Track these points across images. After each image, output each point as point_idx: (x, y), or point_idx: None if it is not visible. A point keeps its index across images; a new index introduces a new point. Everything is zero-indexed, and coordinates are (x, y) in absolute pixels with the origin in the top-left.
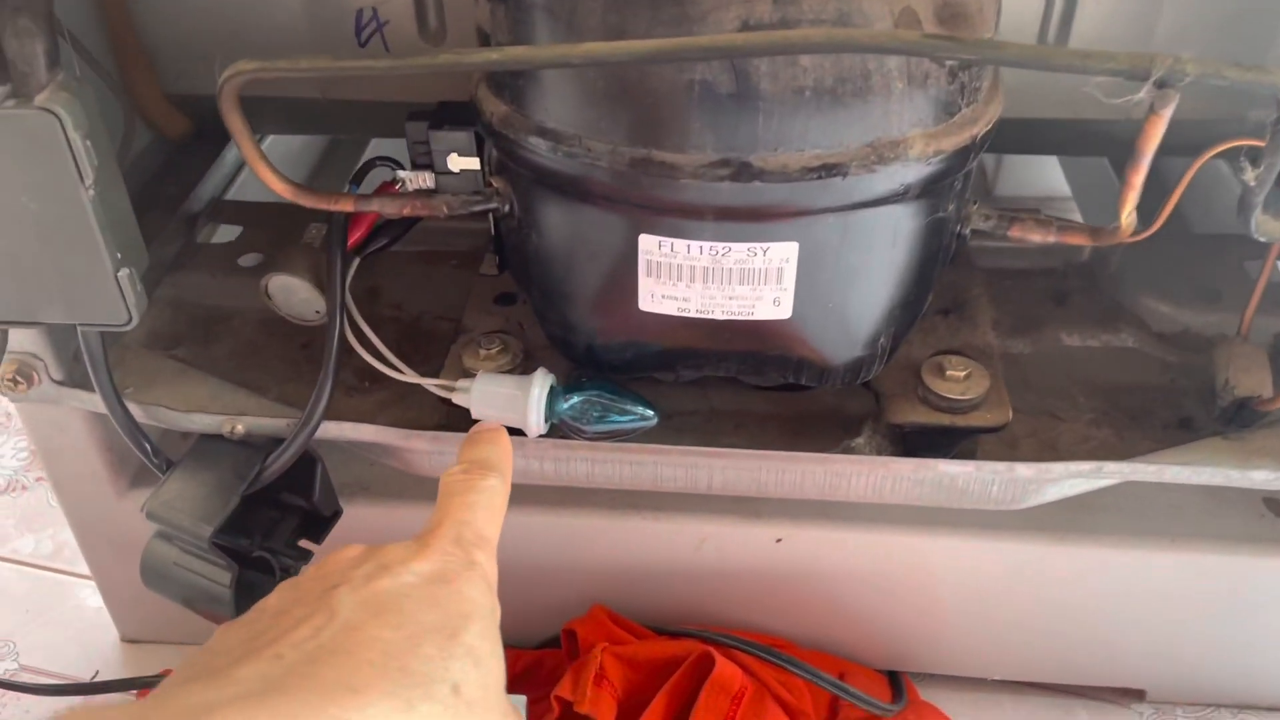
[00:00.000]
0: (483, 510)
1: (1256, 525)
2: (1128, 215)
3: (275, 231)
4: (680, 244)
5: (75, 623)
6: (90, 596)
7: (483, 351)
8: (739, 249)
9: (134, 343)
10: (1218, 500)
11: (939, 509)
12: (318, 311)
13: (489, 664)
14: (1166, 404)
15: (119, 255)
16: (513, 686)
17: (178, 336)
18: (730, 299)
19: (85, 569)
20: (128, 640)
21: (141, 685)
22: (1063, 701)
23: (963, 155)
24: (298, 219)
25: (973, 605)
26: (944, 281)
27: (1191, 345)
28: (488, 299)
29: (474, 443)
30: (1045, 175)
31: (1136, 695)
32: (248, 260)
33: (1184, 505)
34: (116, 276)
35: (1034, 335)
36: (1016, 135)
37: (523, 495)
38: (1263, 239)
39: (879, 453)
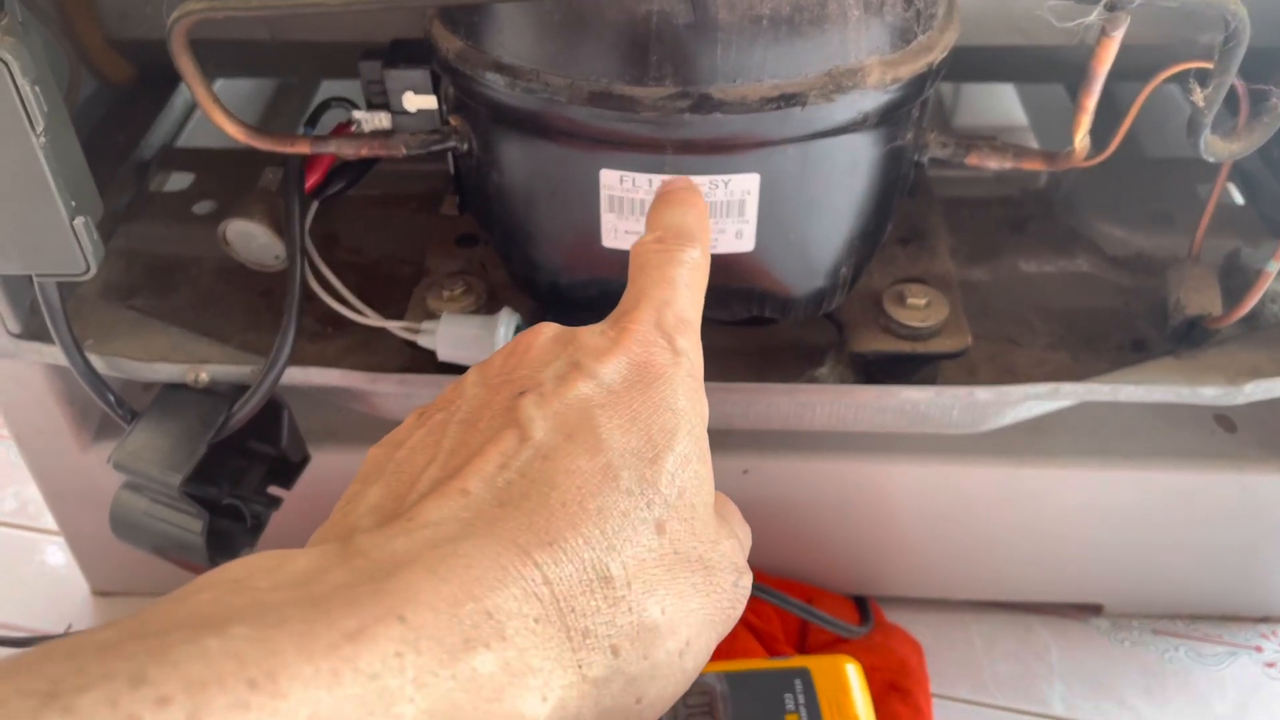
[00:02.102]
0: (684, 288)
1: (1207, 441)
2: (1081, 138)
3: (229, 178)
4: (642, 178)
5: (44, 578)
6: (57, 552)
7: (446, 293)
8: (700, 182)
9: (91, 294)
10: (1170, 419)
11: (901, 436)
12: (277, 257)
13: (693, 488)
14: (1120, 326)
15: (73, 203)
16: None
17: (134, 287)
18: None
19: (50, 524)
20: (99, 593)
21: None
22: (1023, 618)
23: (920, 83)
24: (252, 164)
25: (935, 529)
26: (903, 211)
27: (1144, 268)
28: (449, 241)
29: (667, 203)
30: (1003, 105)
31: (1094, 609)
32: (202, 208)
33: (1137, 424)
34: (72, 225)
35: (992, 263)
36: (973, 63)
37: None
38: (1211, 159)
39: (842, 381)
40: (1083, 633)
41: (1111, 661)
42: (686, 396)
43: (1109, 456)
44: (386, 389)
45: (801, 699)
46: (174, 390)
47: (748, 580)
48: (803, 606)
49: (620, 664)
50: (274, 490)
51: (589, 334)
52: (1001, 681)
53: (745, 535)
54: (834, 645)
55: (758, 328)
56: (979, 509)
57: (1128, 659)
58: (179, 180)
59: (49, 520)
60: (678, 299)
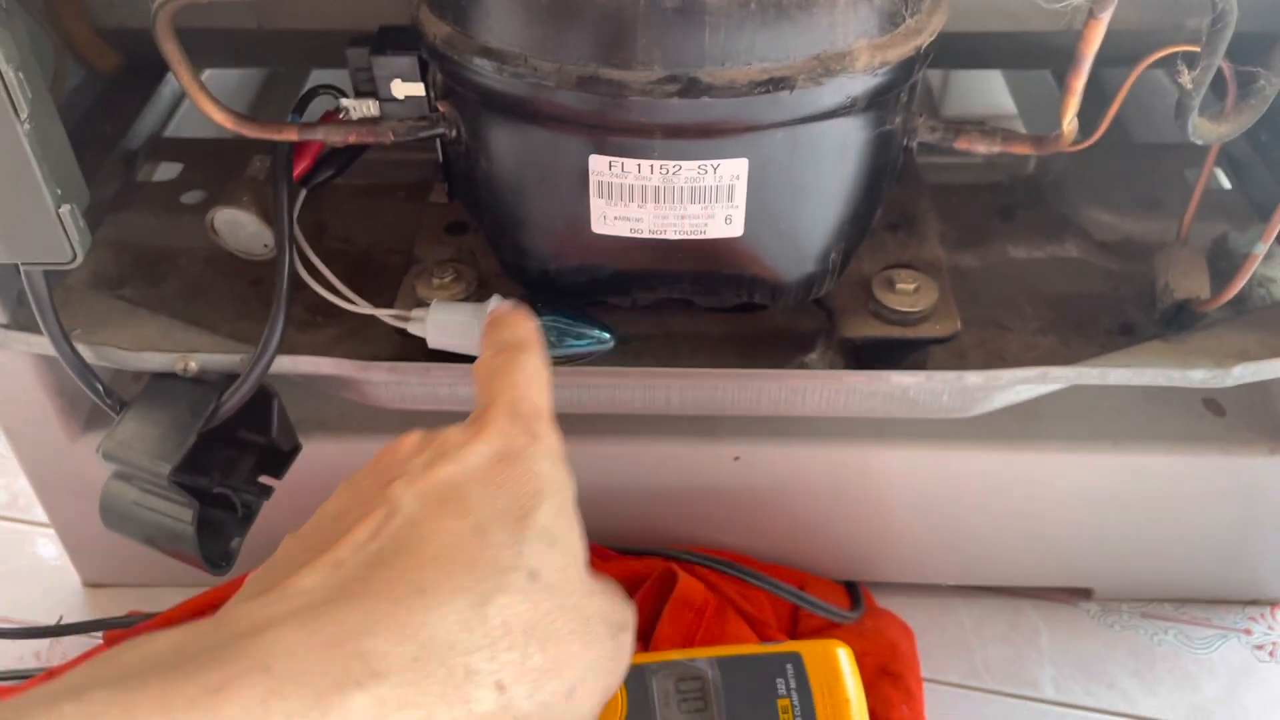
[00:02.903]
0: (530, 384)
1: (1196, 425)
2: (1069, 122)
3: (217, 167)
4: (631, 163)
5: (34, 570)
6: (48, 544)
7: (436, 280)
8: (689, 167)
9: (79, 284)
10: (1158, 402)
11: (891, 421)
12: (266, 245)
13: (566, 541)
14: (1109, 311)
15: (59, 191)
16: None
17: (123, 277)
18: (682, 218)
19: (41, 517)
20: (90, 584)
21: (109, 626)
22: (1013, 602)
23: (908, 66)
24: (239, 154)
25: (925, 514)
26: (892, 197)
27: (1132, 253)
28: (438, 229)
29: (497, 325)
30: (991, 93)
31: (1084, 594)
32: (190, 197)
33: (1126, 408)
34: (58, 213)
35: (981, 248)
36: (961, 49)
37: None
38: (1199, 142)
39: (832, 367)
40: (1072, 617)
41: (1101, 645)
42: (550, 467)
43: (1098, 441)
44: (377, 377)
45: (793, 683)
46: (163, 379)
47: (628, 637)
48: (793, 591)
49: (508, 701)
50: (265, 480)
51: (452, 431)
52: (992, 665)
53: (629, 609)
54: (825, 630)
55: (747, 314)
56: (969, 494)
57: (1117, 642)
58: (167, 170)
59: (39, 513)
60: (528, 395)
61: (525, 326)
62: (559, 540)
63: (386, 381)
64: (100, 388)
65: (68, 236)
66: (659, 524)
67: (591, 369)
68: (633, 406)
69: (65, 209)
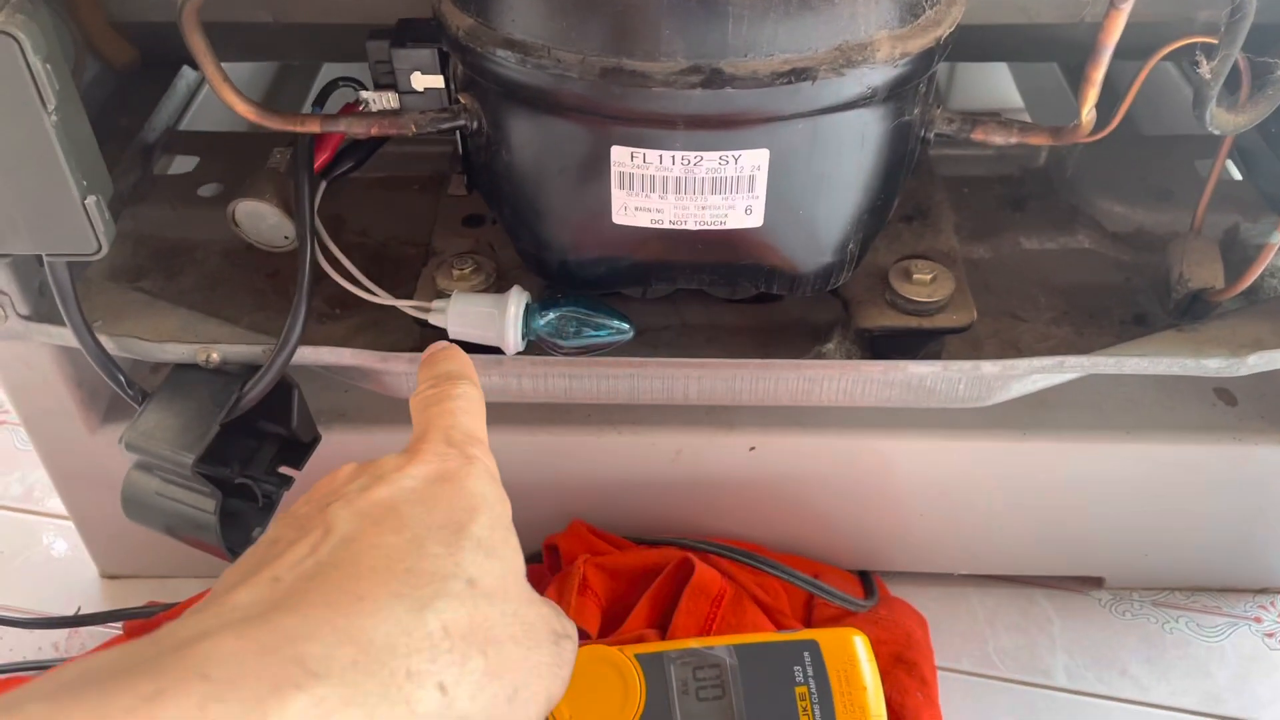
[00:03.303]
0: (464, 413)
1: (1209, 414)
2: (1088, 112)
3: (234, 160)
4: (652, 154)
5: (52, 562)
6: (65, 536)
7: (456, 271)
8: (711, 158)
9: (98, 277)
10: (1171, 392)
11: (906, 412)
12: (286, 237)
13: (503, 553)
14: (1122, 301)
15: (84, 182)
16: None
17: (141, 270)
18: (703, 209)
19: (57, 509)
20: (108, 576)
21: (126, 617)
22: (1025, 591)
23: (928, 57)
24: (256, 147)
25: (939, 504)
26: (906, 190)
27: (1145, 244)
28: (455, 221)
29: (432, 362)
30: (998, 87)
31: (1095, 583)
32: (208, 190)
33: (1139, 398)
34: (84, 204)
35: (994, 240)
36: (971, 42)
37: (501, 415)
38: (1216, 132)
39: (849, 357)
40: (1084, 605)
41: (1113, 633)
42: (485, 486)
43: (1112, 430)
44: (398, 368)
45: (810, 670)
46: (185, 371)
47: (570, 646)
48: (809, 580)
49: (450, 701)
50: (285, 470)
51: (387, 458)
52: (1005, 654)
53: (570, 622)
54: (840, 619)
55: (764, 305)
56: (983, 483)
57: (1129, 630)
58: (183, 164)
59: (55, 505)
60: (461, 422)
61: (459, 360)
62: (496, 551)
63: (407, 372)
64: (122, 379)
65: (93, 228)
66: (675, 515)
67: (611, 360)
68: (651, 397)
69: (91, 200)
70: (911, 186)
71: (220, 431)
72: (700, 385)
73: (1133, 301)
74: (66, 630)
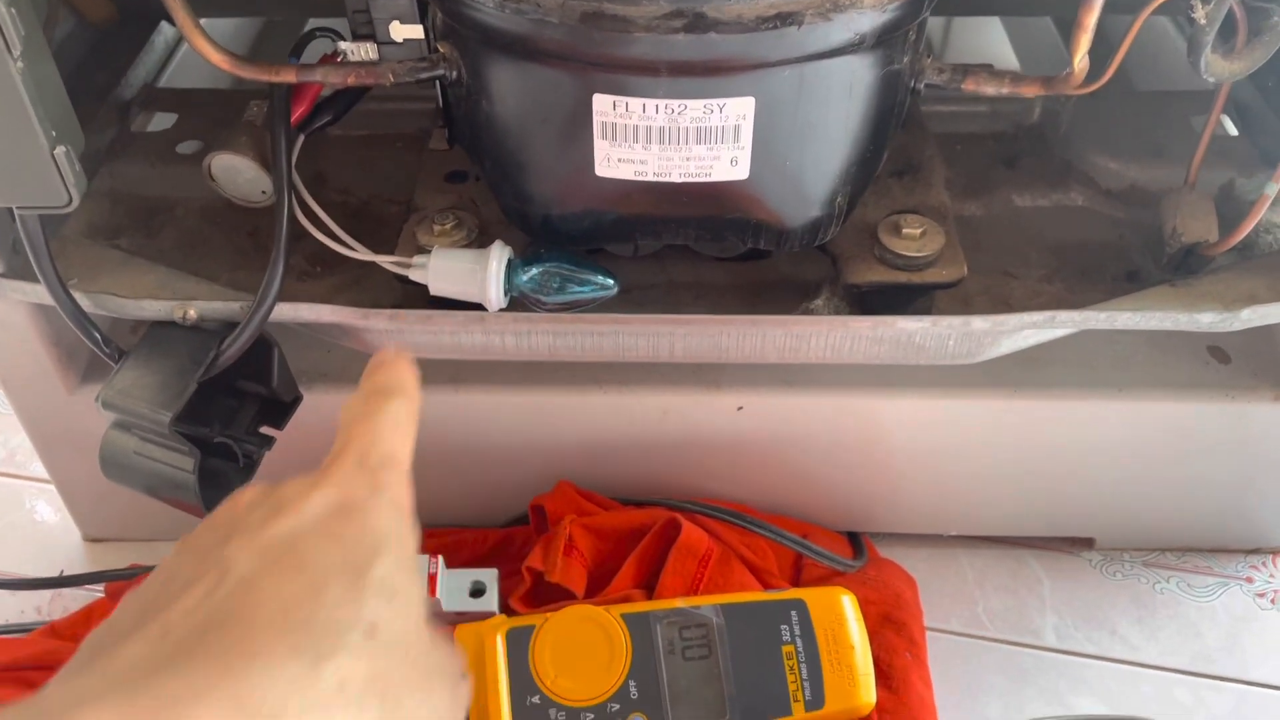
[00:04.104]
0: (389, 432)
1: (1201, 372)
2: (1080, 60)
3: (213, 117)
4: (635, 103)
5: (34, 526)
6: (48, 500)
7: (437, 227)
8: (695, 106)
9: (73, 234)
10: (1164, 350)
11: (895, 370)
12: (264, 191)
13: (407, 595)
14: (1115, 258)
15: (53, 133)
16: (483, 563)
17: (118, 228)
18: (687, 160)
19: (38, 473)
20: (90, 539)
21: (109, 578)
22: (1015, 553)
23: (917, 3)
24: (235, 104)
25: (928, 464)
26: (897, 144)
27: (1138, 200)
28: (438, 177)
29: (372, 372)
30: (991, 44)
31: (1086, 544)
32: (186, 147)
33: (1131, 356)
34: (53, 154)
35: (985, 198)
36: None
37: (485, 374)
38: (1211, 79)
39: (837, 314)
40: (1074, 566)
41: (1103, 594)
42: (391, 521)
43: (1103, 388)
44: (378, 325)
45: (798, 630)
46: (162, 328)
47: (466, 688)
48: (797, 540)
49: None
50: (266, 430)
51: (293, 482)
52: (994, 614)
53: (464, 659)
54: (828, 580)
55: (751, 262)
56: (973, 443)
57: (1119, 591)
58: (162, 121)
59: (38, 469)
60: (382, 441)
61: (402, 373)
62: (398, 594)
63: (388, 329)
64: (98, 336)
65: (63, 179)
66: (662, 476)
67: (595, 316)
68: (637, 354)
69: (60, 150)
70: (902, 141)
71: (199, 391)
72: (686, 343)
73: (1125, 258)
74: (49, 593)
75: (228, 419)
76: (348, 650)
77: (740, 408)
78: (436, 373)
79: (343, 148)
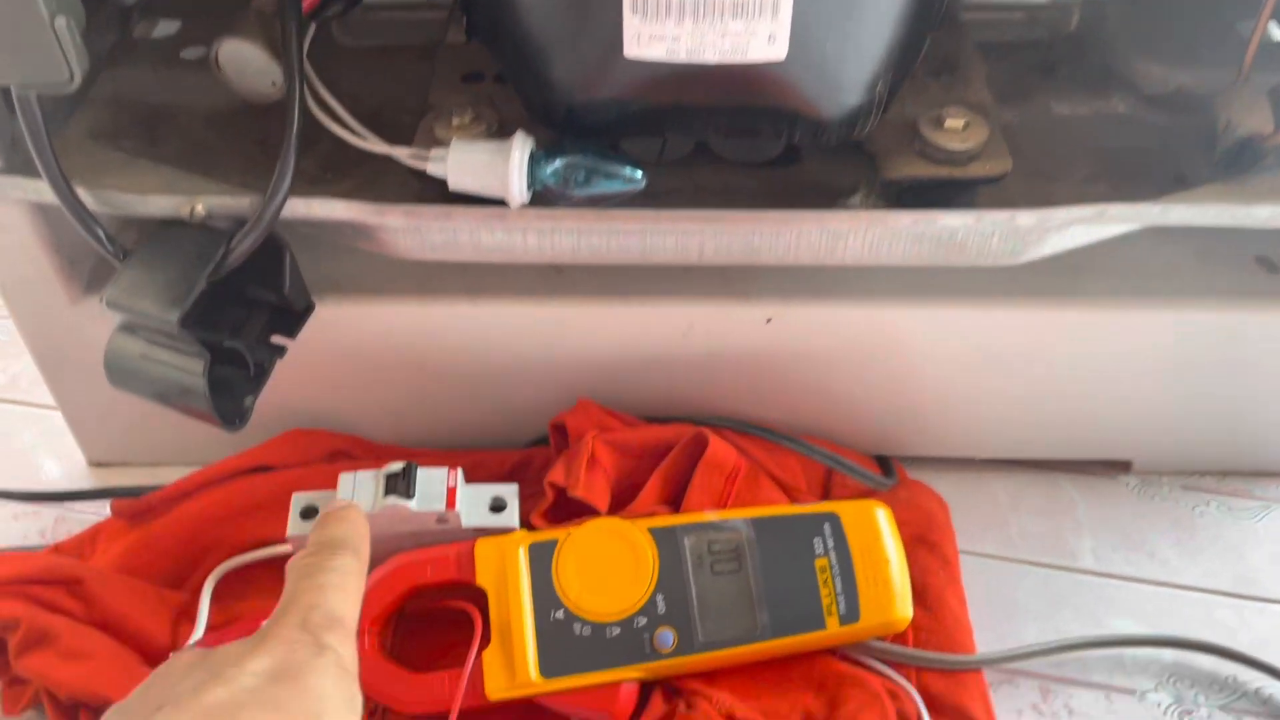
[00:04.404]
0: (334, 590)
1: (1248, 281)
2: None
3: (219, 25)
4: None
5: (37, 453)
6: (51, 426)
7: (456, 120)
8: None
9: (76, 137)
10: (1209, 258)
11: (930, 281)
12: (274, 83)
13: None
14: (1161, 163)
15: (54, 2)
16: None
17: (121, 134)
18: (722, 36)
19: (43, 399)
20: (95, 464)
21: (115, 495)
22: (1049, 476)
23: None
24: (242, 10)
25: (960, 382)
26: (935, 45)
27: (1183, 105)
28: (454, 78)
29: (323, 524)
30: None
31: (1122, 467)
32: (191, 53)
33: (1177, 265)
34: (53, 26)
35: (1023, 106)
36: None
37: (505, 284)
38: None
39: None
40: (1111, 489)
41: (1141, 517)
42: (334, 684)
43: (1147, 297)
44: (394, 222)
45: (831, 543)
46: (169, 226)
47: None
48: (828, 454)
49: None
50: (277, 340)
51: (230, 647)
52: (1029, 537)
53: None
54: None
55: (781, 168)
56: (1009, 358)
57: (1158, 514)
58: (166, 29)
59: (41, 395)
60: (326, 600)
61: (350, 525)
62: None
63: (404, 227)
64: (101, 233)
65: (64, 53)
66: (685, 394)
67: (621, 214)
68: (664, 255)
69: (60, 21)
70: (941, 43)
71: (208, 295)
72: (717, 242)
73: (1172, 163)
74: (53, 517)
75: (238, 327)
76: None
77: (769, 320)
78: (452, 284)
79: (353, 58)
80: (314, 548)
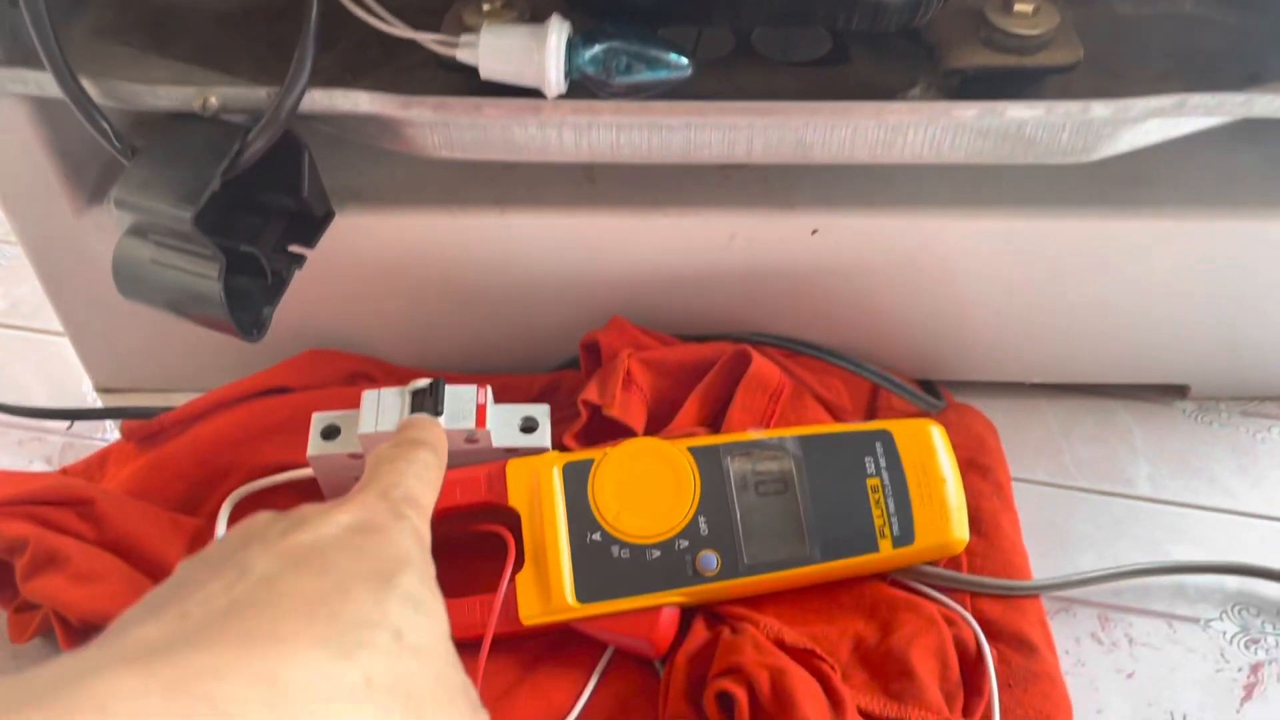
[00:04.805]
0: (414, 477)
1: None
2: None
3: None
4: None
5: (43, 377)
6: (56, 352)
7: (486, 6)
8: None
9: (79, 34)
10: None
11: (985, 191)
12: None
13: (432, 610)
14: (1234, 62)
15: None
16: None
17: (126, 34)
18: None
19: (46, 324)
20: (103, 389)
21: (125, 415)
22: (1102, 403)
23: None
24: None
25: (1013, 300)
26: None
27: (1257, 5)
28: None
29: (405, 427)
30: None
31: (1179, 392)
32: None
33: (1247, 173)
34: None
35: (1086, 7)
36: None
37: (535, 192)
38: None
39: None
40: (1167, 416)
41: (1199, 442)
42: (413, 544)
43: (1214, 206)
44: (421, 115)
45: (883, 462)
46: (180, 120)
47: (484, 718)
48: (877, 372)
49: None
50: (295, 249)
51: (309, 505)
52: (1082, 464)
53: (487, 716)
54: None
55: (830, 67)
56: (1065, 274)
57: (1216, 440)
58: None
59: (44, 320)
60: (405, 482)
61: (432, 430)
62: (424, 607)
63: (432, 122)
64: (107, 127)
65: None
66: (724, 312)
67: (663, 106)
68: (708, 153)
69: None
70: None
71: (223, 198)
72: (766, 138)
73: (1246, 61)
74: (60, 442)
75: (254, 234)
76: (375, 649)
77: (815, 231)
78: (480, 194)
79: None
80: (396, 442)
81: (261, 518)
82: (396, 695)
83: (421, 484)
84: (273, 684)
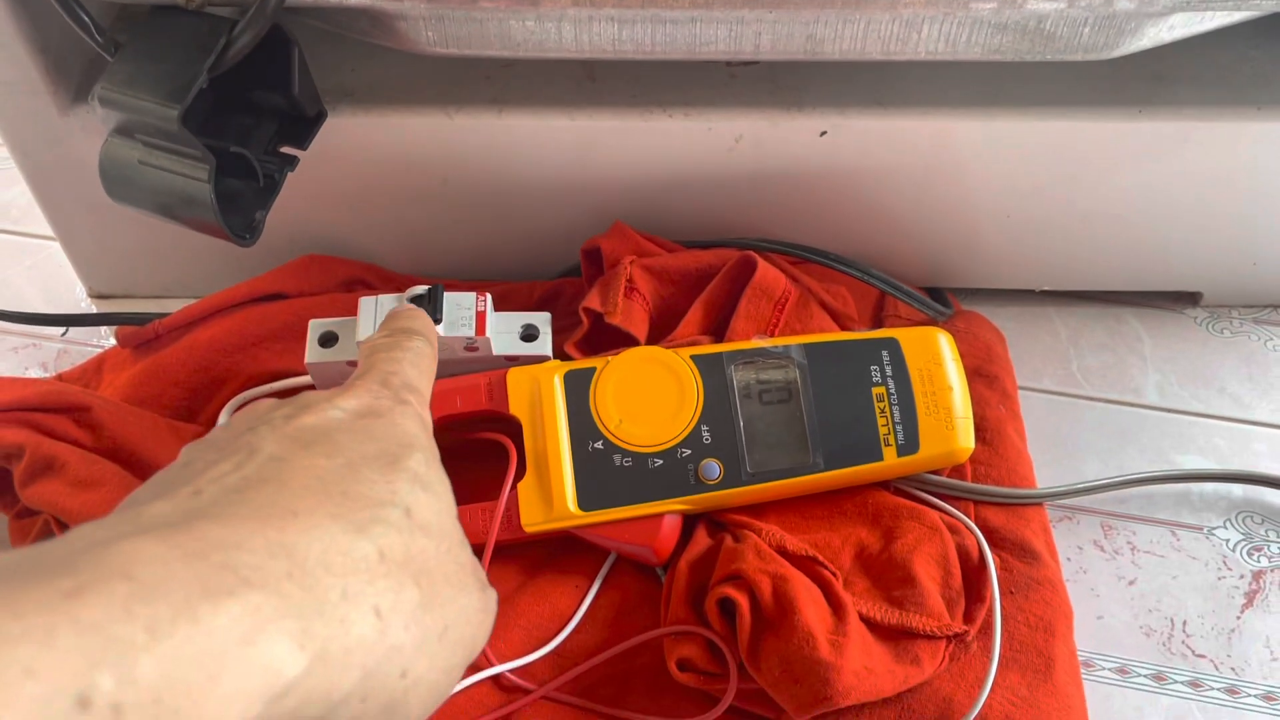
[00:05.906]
0: (410, 365)
1: None
2: None
3: None
4: None
5: (37, 283)
6: (47, 258)
7: None
8: None
9: None
10: None
11: (998, 92)
12: None
13: (439, 489)
14: None
15: None
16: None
17: None
18: None
19: (35, 228)
20: (96, 296)
21: (120, 321)
22: (1112, 310)
23: None
24: None
25: (1023, 204)
26: None
27: None
28: None
29: (394, 318)
30: None
31: (1190, 300)
32: None
33: (1271, 73)
34: None
35: None
36: None
37: (533, 95)
38: None
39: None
40: (1177, 323)
41: (1210, 351)
42: (418, 428)
43: (1236, 106)
44: (414, 8)
45: (889, 370)
46: (163, 13)
47: (494, 598)
48: (885, 279)
49: (385, 628)
50: (287, 150)
51: (312, 393)
52: (1091, 373)
53: (494, 596)
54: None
55: None
56: (1081, 176)
57: (1228, 349)
58: None
59: (33, 224)
60: (403, 370)
61: (423, 321)
62: (431, 486)
63: (426, 16)
64: (89, 21)
65: None
66: (730, 215)
67: None
68: (714, 49)
69: None
70: None
71: (211, 97)
72: (775, 32)
73: None
74: (55, 350)
75: (245, 135)
76: (387, 525)
77: (824, 133)
78: (477, 93)
79: None
80: (387, 332)
81: (264, 404)
82: (409, 570)
83: (418, 371)
84: (291, 555)
